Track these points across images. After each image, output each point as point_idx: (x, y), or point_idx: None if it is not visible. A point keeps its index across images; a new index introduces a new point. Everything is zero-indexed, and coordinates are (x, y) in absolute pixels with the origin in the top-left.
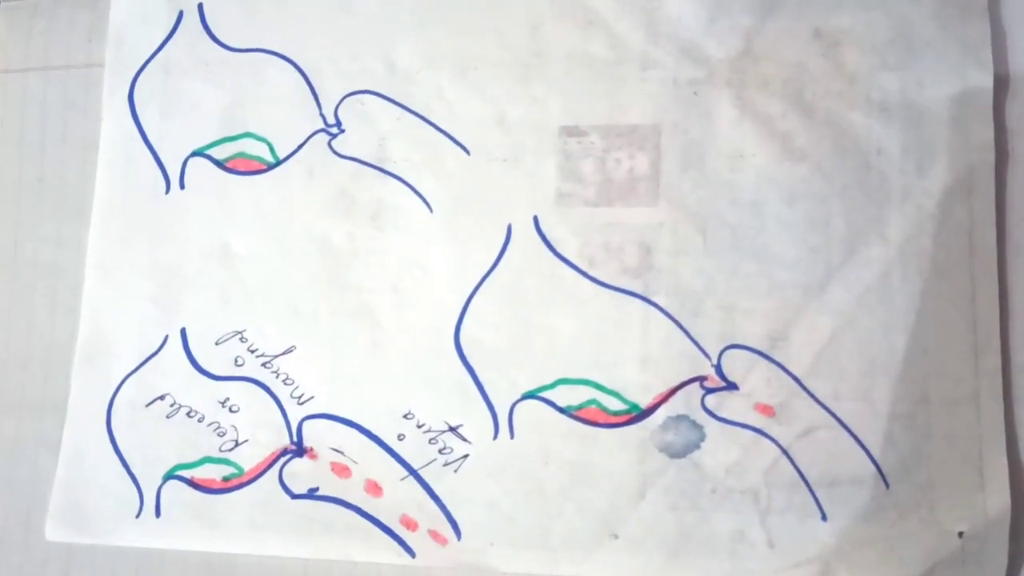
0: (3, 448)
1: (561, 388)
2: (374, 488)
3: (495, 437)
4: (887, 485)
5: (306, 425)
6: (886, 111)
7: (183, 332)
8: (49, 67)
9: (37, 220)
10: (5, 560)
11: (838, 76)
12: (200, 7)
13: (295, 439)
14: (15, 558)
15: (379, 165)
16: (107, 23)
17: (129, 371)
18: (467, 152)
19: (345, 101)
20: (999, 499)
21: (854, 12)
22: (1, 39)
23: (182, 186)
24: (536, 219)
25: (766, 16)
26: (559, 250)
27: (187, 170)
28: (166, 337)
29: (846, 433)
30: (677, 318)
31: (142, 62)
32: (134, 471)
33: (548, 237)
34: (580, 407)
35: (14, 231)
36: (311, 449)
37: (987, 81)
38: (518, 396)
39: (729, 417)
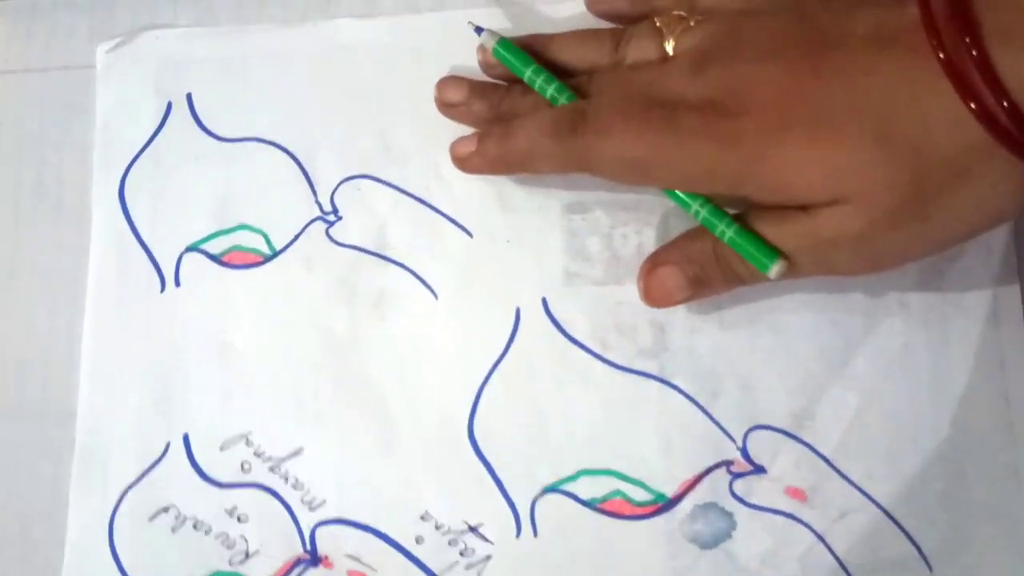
0: (1, 454)
1: (583, 480)
2: None
3: (518, 535)
4: (930, 568)
5: (319, 532)
6: None
7: (186, 438)
8: (48, 68)
9: (35, 224)
10: (1, 568)
11: None
12: (189, 97)
13: (309, 548)
14: (10, 565)
15: (380, 252)
16: (107, 24)
17: (130, 482)
18: (469, 234)
19: (341, 187)
20: None
21: None
22: (0, 40)
23: (177, 283)
24: (545, 301)
25: None
26: (570, 332)
27: (182, 266)
28: (168, 444)
29: (883, 515)
30: (698, 400)
31: (131, 156)
32: None
33: (558, 319)
34: (604, 499)
35: (12, 234)
36: (326, 558)
37: None
38: (539, 490)
39: (759, 503)
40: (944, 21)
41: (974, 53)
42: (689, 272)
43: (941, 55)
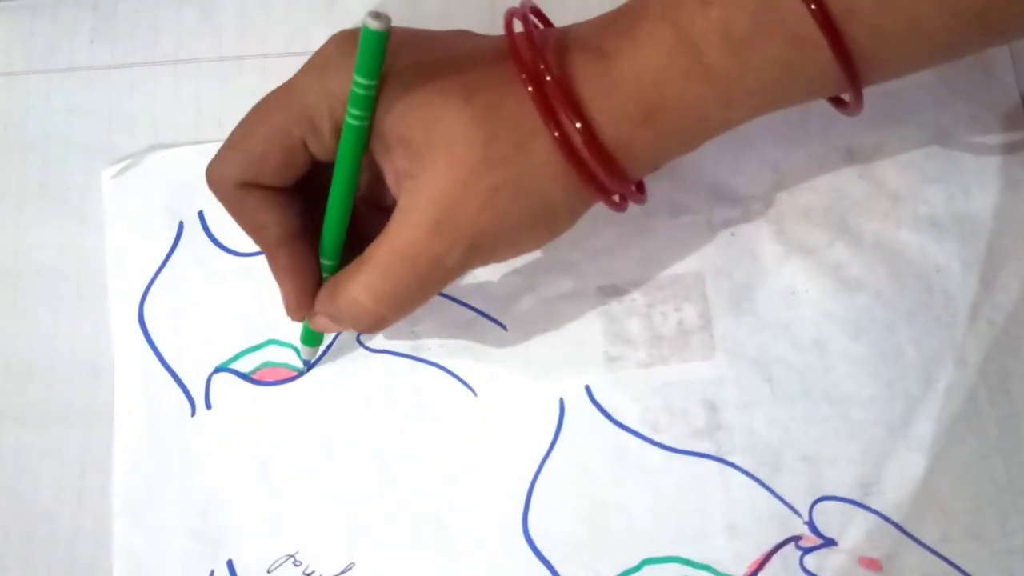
0: (5, 458)
1: (648, 569)
2: None
3: None
4: None
5: None
6: (937, 226)
7: (230, 564)
8: (51, 70)
9: (39, 225)
10: (5, 569)
11: (880, 196)
12: (201, 214)
13: None
14: (16, 566)
15: (414, 354)
16: (110, 24)
17: None
18: (504, 328)
19: None
20: None
21: (885, 127)
22: (2, 41)
23: (208, 406)
24: (588, 389)
25: (793, 143)
26: (619, 419)
27: (212, 388)
28: (212, 572)
29: None
30: (758, 476)
31: (147, 281)
32: None
33: (604, 406)
34: None
35: (16, 236)
36: None
37: None
38: None
39: None
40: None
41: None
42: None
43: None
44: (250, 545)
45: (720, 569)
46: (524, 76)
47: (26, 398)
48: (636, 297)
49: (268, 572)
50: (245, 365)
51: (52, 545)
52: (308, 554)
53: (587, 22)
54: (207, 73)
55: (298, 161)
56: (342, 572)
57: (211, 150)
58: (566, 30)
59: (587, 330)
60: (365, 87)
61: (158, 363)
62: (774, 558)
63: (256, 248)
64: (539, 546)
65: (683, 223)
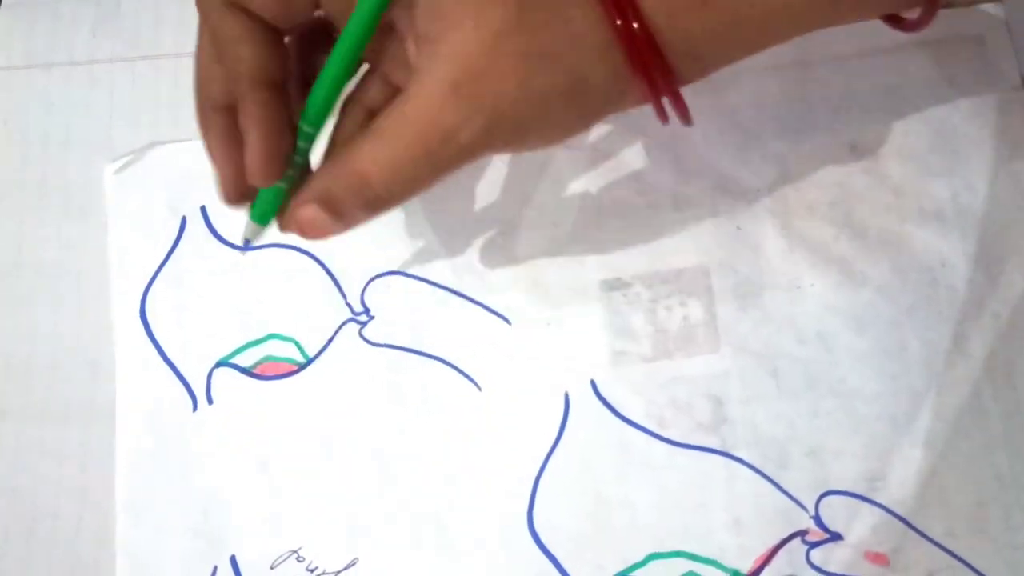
0: (6, 456)
1: (653, 565)
2: None
3: None
4: None
5: None
6: (941, 220)
7: (233, 560)
8: (52, 64)
9: (40, 221)
10: (6, 569)
11: (884, 190)
12: (203, 209)
13: None
14: (16, 566)
15: (417, 348)
16: (112, 18)
17: None
18: (508, 322)
19: (370, 286)
20: None
21: (888, 122)
22: (2, 36)
23: (210, 400)
24: (593, 383)
25: (798, 138)
26: (624, 413)
27: (213, 383)
28: (215, 568)
29: (971, 572)
30: (763, 470)
31: (150, 276)
32: None
33: (609, 401)
34: None
35: (16, 231)
36: None
37: None
38: None
39: (840, 571)
40: None
41: None
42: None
43: None
44: (253, 541)
45: (726, 564)
46: None
47: (27, 395)
48: (640, 291)
49: (272, 568)
50: (246, 359)
51: (54, 543)
52: (311, 550)
53: None
54: None
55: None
56: (346, 567)
57: None
58: None
59: (591, 324)
60: None
61: (159, 358)
62: (780, 552)
63: (260, 242)
64: (544, 541)
65: (688, 217)
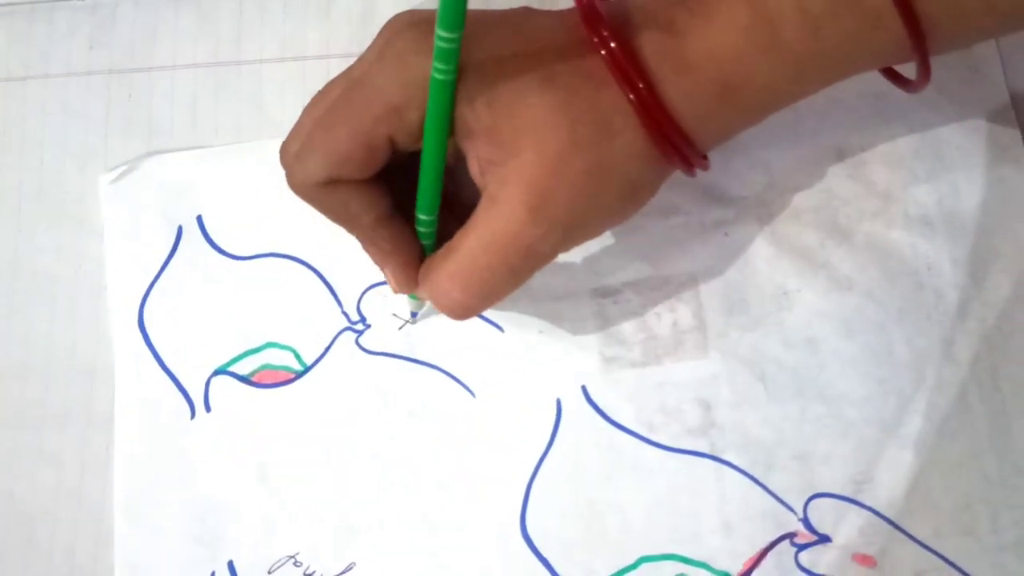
0: (4, 462)
1: (644, 567)
2: None
3: None
4: None
5: None
6: (927, 225)
7: (230, 565)
8: (49, 75)
9: (37, 229)
10: (5, 573)
11: (870, 196)
12: (199, 219)
13: None
14: (14, 572)
15: (412, 356)
16: (108, 30)
17: None
18: (500, 329)
19: (366, 295)
20: None
21: (874, 127)
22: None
23: (208, 408)
24: (585, 389)
25: (784, 144)
26: (615, 418)
27: (211, 391)
28: (212, 573)
29: (958, 573)
30: (752, 474)
31: (147, 285)
32: None
33: (601, 406)
34: None
35: (13, 241)
36: None
37: None
38: None
39: (828, 573)
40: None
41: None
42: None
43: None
44: (250, 546)
45: (716, 566)
46: (606, 57)
47: (25, 402)
48: (630, 298)
49: (269, 573)
50: (244, 368)
51: (52, 549)
52: (308, 555)
53: None
54: (204, 78)
55: (382, 154)
56: (343, 572)
57: (209, 155)
58: (628, 2)
59: (582, 331)
60: (450, 40)
61: (157, 366)
62: (769, 555)
63: (253, 252)
64: (537, 545)
65: (676, 224)
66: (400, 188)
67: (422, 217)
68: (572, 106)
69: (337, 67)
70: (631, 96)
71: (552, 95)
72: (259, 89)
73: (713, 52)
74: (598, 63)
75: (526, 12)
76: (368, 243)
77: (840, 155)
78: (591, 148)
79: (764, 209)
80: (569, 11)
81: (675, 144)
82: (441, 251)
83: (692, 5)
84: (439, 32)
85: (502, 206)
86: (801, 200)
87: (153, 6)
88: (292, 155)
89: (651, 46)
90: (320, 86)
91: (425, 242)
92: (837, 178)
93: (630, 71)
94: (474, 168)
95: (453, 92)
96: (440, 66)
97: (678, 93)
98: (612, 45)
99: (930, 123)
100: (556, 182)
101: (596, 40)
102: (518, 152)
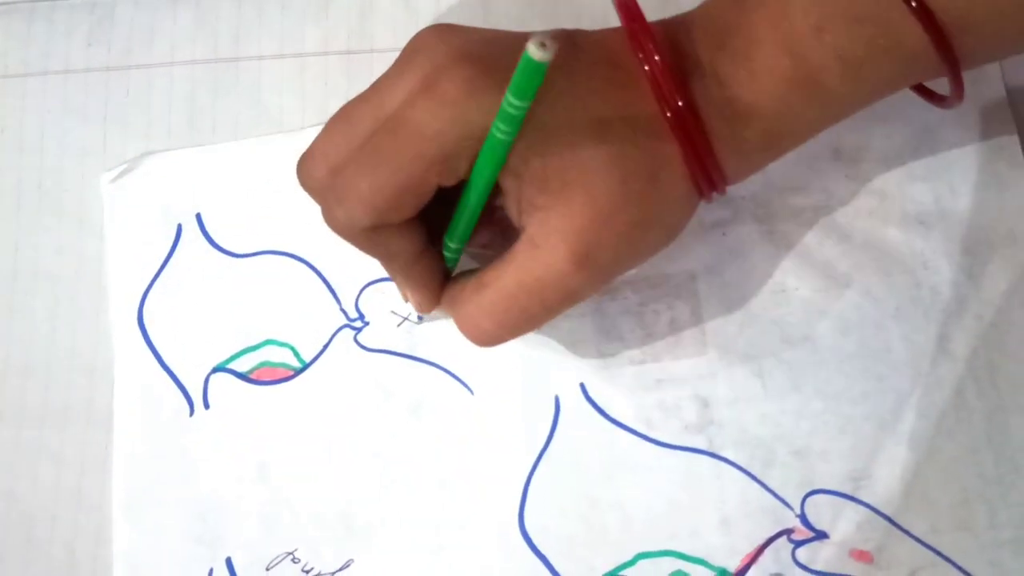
0: (3, 459)
1: (642, 564)
2: None
3: None
4: None
5: None
6: (924, 223)
7: (229, 562)
8: (48, 72)
9: (36, 227)
10: (3, 573)
11: (867, 194)
12: (199, 217)
13: None
14: (13, 570)
15: (411, 353)
16: (107, 27)
17: None
18: None
19: (365, 292)
20: None
21: (870, 126)
22: None
23: (207, 406)
24: (583, 386)
25: None
26: (613, 415)
27: (210, 388)
28: (211, 570)
29: (954, 569)
30: (750, 470)
31: (147, 283)
32: None
33: (599, 403)
34: None
35: (13, 238)
36: None
37: (1022, 176)
38: None
39: (825, 569)
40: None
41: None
42: None
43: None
44: (249, 543)
45: (713, 562)
46: (672, 117)
47: (25, 400)
48: (629, 295)
49: (267, 570)
50: (243, 365)
51: (51, 546)
52: (307, 551)
53: (687, 36)
54: (202, 75)
55: (428, 199)
56: (341, 568)
57: (207, 152)
58: (672, 47)
59: (581, 328)
60: (520, 108)
61: (157, 364)
62: (767, 551)
63: (252, 249)
64: (536, 542)
65: None
66: (430, 214)
67: (451, 245)
68: (625, 157)
69: (336, 64)
70: (687, 151)
71: (606, 148)
72: (258, 86)
73: (760, 104)
74: (650, 113)
75: (575, 56)
76: (401, 276)
77: (837, 154)
78: (640, 201)
79: (762, 208)
80: (619, 54)
81: (718, 188)
82: (472, 284)
83: (733, 52)
84: (510, 99)
85: (545, 252)
86: (798, 199)
87: (152, 4)
88: (325, 188)
89: (704, 99)
90: (319, 84)
91: (449, 265)
92: (834, 177)
93: (692, 128)
94: (512, 206)
95: (508, 149)
96: (503, 127)
97: (727, 145)
98: (679, 104)
99: (927, 122)
100: (604, 234)
101: (661, 100)
102: (567, 200)
